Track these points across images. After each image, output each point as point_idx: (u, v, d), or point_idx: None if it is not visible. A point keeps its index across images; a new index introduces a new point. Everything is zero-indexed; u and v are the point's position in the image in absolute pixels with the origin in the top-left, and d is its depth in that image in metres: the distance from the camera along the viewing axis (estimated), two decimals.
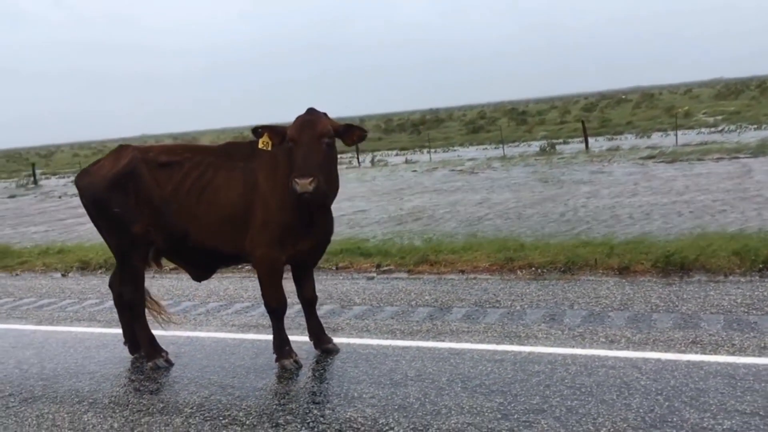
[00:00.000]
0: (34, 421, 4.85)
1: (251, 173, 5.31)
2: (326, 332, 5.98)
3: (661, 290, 6.89)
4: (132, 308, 5.84)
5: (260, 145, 5.15)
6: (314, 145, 4.88)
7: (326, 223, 5.50)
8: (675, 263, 7.64)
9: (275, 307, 5.46)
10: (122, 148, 5.76)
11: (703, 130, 34.75)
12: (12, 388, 5.60)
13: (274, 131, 5.15)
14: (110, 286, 6.10)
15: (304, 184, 4.73)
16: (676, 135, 30.72)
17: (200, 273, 5.82)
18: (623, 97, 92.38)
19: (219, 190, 5.38)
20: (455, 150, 38.02)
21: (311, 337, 5.83)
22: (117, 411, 4.92)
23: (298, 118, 5.03)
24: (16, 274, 11.22)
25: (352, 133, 5.16)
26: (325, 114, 5.13)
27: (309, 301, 5.76)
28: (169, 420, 4.68)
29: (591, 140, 32.50)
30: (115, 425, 4.68)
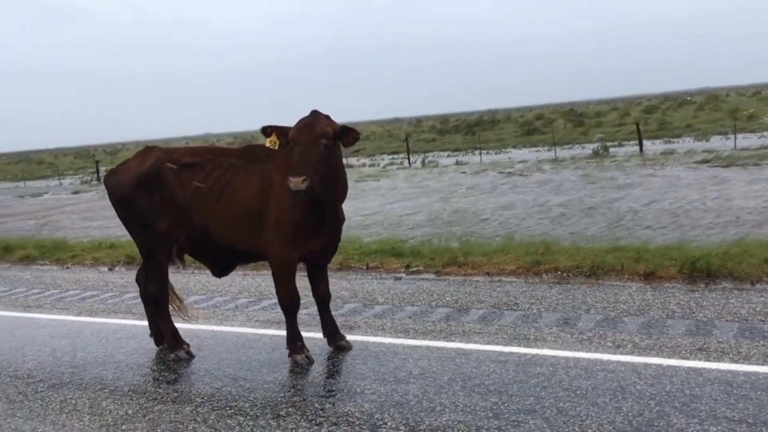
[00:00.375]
0: (58, 406, 5.17)
1: (267, 174, 5.53)
2: (341, 330, 6.16)
3: (682, 296, 6.83)
4: (157, 302, 6.14)
5: (267, 144, 5.38)
6: (311, 146, 5.06)
7: (337, 222, 5.68)
8: (701, 270, 7.55)
9: (288, 304, 5.67)
10: (148, 150, 6.07)
11: (765, 133, 33.65)
12: (43, 374, 5.97)
13: (281, 131, 5.35)
14: (137, 281, 6.42)
15: (296, 183, 4.92)
16: (735, 138, 29.86)
17: (220, 269, 6.08)
18: (687, 99, 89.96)
19: (237, 191, 5.62)
20: (507, 152, 37.82)
21: (325, 334, 6.02)
22: (134, 398, 5.21)
23: (300, 120, 5.22)
24: (67, 267, 11.76)
25: (348, 135, 5.33)
26: (327, 116, 5.31)
27: (323, 299, 5.95)
28: (180, 408, 4.94)
29: (647, 143, 31.88)
30: (130, 411, 4.96)
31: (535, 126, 55.79)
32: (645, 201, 14.51)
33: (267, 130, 5.41)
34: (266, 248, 5.53)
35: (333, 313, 6.90)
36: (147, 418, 4.82)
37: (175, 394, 5.23)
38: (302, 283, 6.14)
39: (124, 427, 4.70)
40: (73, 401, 5.25)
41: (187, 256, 6.29)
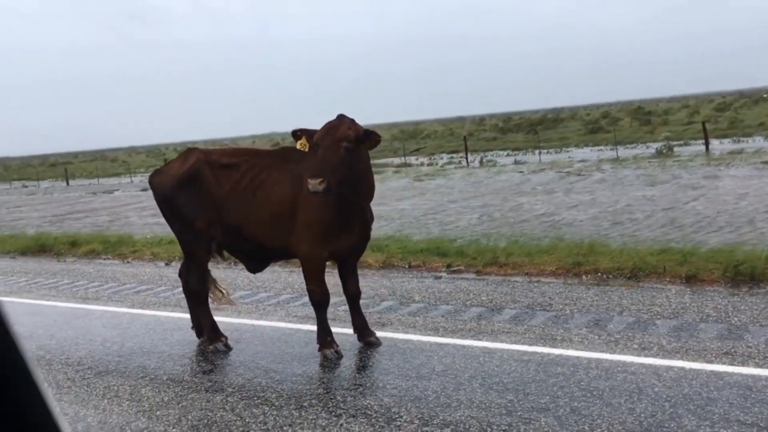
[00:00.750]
0: (101, 392, 5.52)
1: (298, 175, 5.75)
2: (374, 326, 6.34)
3: (720, 300, 6.74)
4: (197, 296, 6.44)
5: (298, 146, 5.59)
6: (333, 149, 5.26)
7: (364, 221, 5.85)
8: (745, 274, 7.41)
9: (318, 300, 5.88)
10: (190, 151, 6.38)
11: None
12: (92, 362, 6.35)
13: (309, 134, 5.56)
14: (180, 275, 6.75)
15: (314, 184, 5.13)
16: None
17: (255, 265, 6.35)
18: (764, 96, 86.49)
19: (270, 190, 5.86)
20: (568, 151, 37.31)
21: (355, 330, 6.21)
22: (171, 387, 5.51)
23: (326, 123, 5.42)
24: (128, 262, 12.31)
25: (371, 138, 5.50)
26: (352, 120, 5.49)
27: (353, 297, 6.14)
28: (211, 397, 5.20)
29: (715, 142, 31.05)
30: (166, 399, 5.26)
31: (599, 125, 54.78)
32: (703, 202, 14.17)
33: (297, 134, 5.63)
34: (297, 246, 5.76)
35: (370, 310, 7.10)
36: (180, 405, 5.10)
37: (209, 384, 5.51)
38: (336, 279, 6.35)
39: (158, 413, 4.99)
40: (116, 388, 5.59)
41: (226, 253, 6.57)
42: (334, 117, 5.52)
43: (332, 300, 6.75)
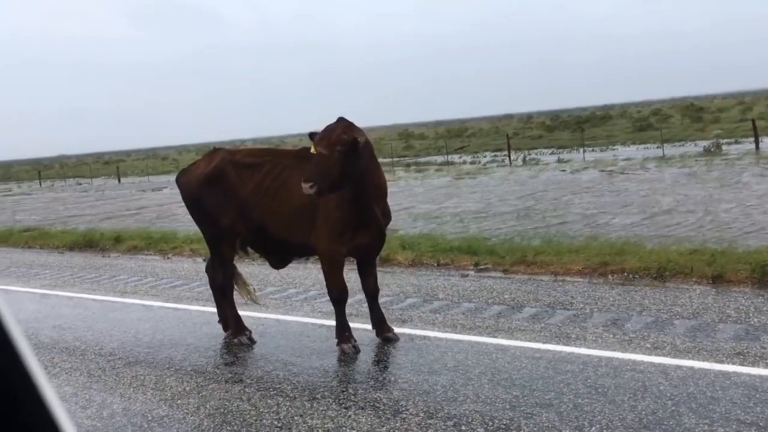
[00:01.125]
0: (128, 381, 5.79)
1: None
2: (395, 322, 6.48)
3: (743, 301, 6.69)
4: (222, 291, 6.68)
5: (312, 150, 5.75)
6: (327, 153, 5.42)
7: (379, 219, 5.99)
8: None
9: (337, 296, 6.06)
10: (215, 151, 6.63)
11: None
12: (124, 353, 6.64)
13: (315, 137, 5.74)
14: (206, 271, 7.00)
15: (305, 188, 5.33)
16: None
17: (277, 261, 6.56)
18: None
19: (291, 189, 6.05)
20: (614, 149, 36.79)
21: (373, 326, 6.36)
22: (193, 377, 5.75)
23: (325, 127, 5.61)
24: (167, 258, 12.70)
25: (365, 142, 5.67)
26: (350, 124, 5.67)
27: (371, 294, 6.29)
28: (230, 388, 5.42)
29: (767, 140, 30.19)
30: (188, 388, 5.50)
31: (648, 122, 53.78)
32: (745, 202, 13.90)
33: (311, 136, 5.81)
34: (316, 243, 5.95)
35: (394, 306, 7.26)
36: (200, 394, 5.33)
37: (229, 375, 5.73)
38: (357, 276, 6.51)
39: (179, 401, 5.23)
40: (142, 377, 5.85)
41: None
42: (335, 120, 5.71)
43: (355, 297, 6.93)
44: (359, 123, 5.94)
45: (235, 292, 6.84)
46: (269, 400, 5.09)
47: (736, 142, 32.50)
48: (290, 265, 10.53)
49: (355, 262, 6.49)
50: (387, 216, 6.13)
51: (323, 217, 5.86)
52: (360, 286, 6.52)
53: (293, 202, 6.04)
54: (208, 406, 5.09)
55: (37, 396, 0.79)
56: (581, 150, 36.69)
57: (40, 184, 55.43)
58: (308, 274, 9.65)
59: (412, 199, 19.51)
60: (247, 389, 5.36)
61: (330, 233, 5.87)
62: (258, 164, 6.29)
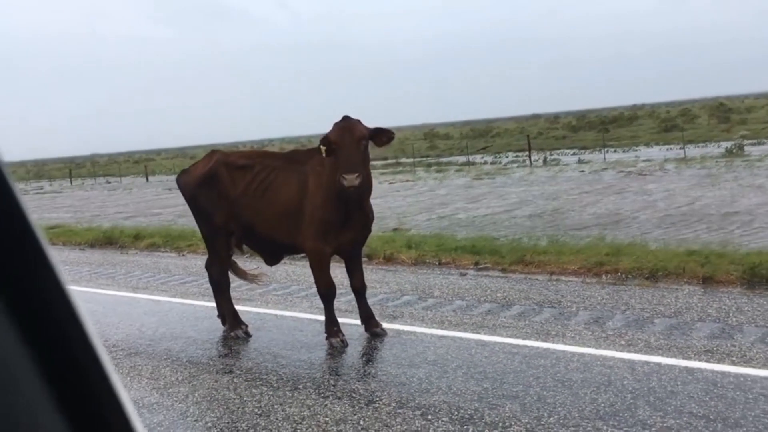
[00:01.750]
0: (126, 371, 6.11)
1: (303, 176, 6.21)
2: (386, 318, 6.74)
3: (728, 301, 6.82)
4: (219, 286, 6.99)
5: (322, 152, 5.99)
6: (355, 147, 5.73)
7: (364, 216, 6.25)
8: (761, 275, 7.43)
9: (324, 292, 6.33)
10: (212, 153, 6.93)
11: None
12: (127, 345, 6.98)
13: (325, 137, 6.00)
14: (206, 267, 7.30)
15: (351, 179, 5.62)
16: None
17: (269, 258, 6.85)
18: None
19: (278, 190, 6.34)
20: (637, 150, 36.59)
21: (362, 321, 6.61)
22: (187, 368, 6.06)
23: (337, 125, 5.88)
24: (183, 255, 13.07)
25: (381, 135, 5.91)
26: (358, 120, 5.92)
27: (359, 291, 6.55)
28: (219, 378, 5.71)
29: None
30: (180, 378, 5.80)
31: (674, 123, 53.28)
32: (758, 204, 13.88)
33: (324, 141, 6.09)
34: (303, 242, 6.22)
35: (389, 303, 7.52)
36: (191, 384, 5.63)
37: (221, 366, 6.02)
38: (369, 275, 6.76)
39: (170, 390, 5.53)
40: (140, 367, 6.17)
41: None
42: (341, 118, 5.98)
43: (349, 294, 7.17)
44: (387, 123, 6.28)
45: (233, 289, 7.14)
46: (254, 390, 5.37)
47: (760, 144, 32.13)
48: (295, 263, 10.93)
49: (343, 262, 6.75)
50: (371, 213, 6.38)
51: (308, 216, 6.13)
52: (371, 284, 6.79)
53: (280, 202, 6.32)
54: (196, 394, 5.38)
55: (114, 396, 0.79)
56: (603, 151, 36.58)
57: (71, 183, 56.59)
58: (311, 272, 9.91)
59: (425, 200, 19.71)
60: (235, 379, 5.65)
61: (316, 232, 6.13)
62: (249, 166, 6.57)
